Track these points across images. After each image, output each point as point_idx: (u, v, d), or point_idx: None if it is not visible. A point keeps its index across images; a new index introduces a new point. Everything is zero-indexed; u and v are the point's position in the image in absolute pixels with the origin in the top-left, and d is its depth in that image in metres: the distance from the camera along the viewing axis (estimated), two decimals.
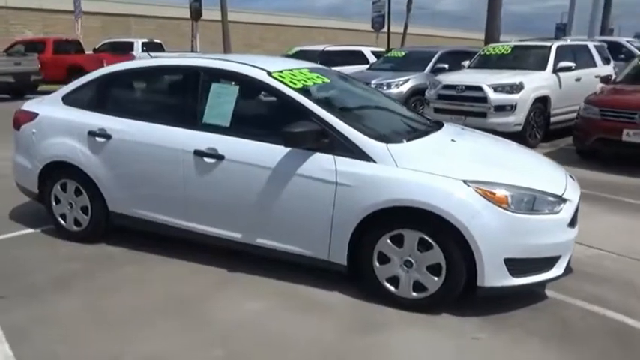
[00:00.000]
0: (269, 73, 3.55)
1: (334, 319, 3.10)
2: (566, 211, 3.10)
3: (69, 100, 4.20)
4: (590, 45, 10.01)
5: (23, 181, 4.46)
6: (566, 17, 39.41)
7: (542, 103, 8.44)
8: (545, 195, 3.06)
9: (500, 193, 2.95)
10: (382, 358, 2.74)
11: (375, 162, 3.12)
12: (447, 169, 3.06)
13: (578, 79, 9.12)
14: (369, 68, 11.43)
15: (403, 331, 2.98)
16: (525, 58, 9.14)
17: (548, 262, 3.10)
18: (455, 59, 10.76)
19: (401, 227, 3.07)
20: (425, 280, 3.08)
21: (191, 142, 3.55)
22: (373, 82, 9.65)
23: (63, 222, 4.27)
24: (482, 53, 9.81)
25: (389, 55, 11.80)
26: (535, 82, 8.28)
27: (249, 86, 3.59)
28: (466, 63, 9.95)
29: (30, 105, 4.47)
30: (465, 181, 2.97)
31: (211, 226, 3.64)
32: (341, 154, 3.19)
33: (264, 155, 3.36)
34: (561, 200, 3.10)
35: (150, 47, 18.36)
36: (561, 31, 38.07)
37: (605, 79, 8.16)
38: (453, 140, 3.57)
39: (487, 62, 9.54)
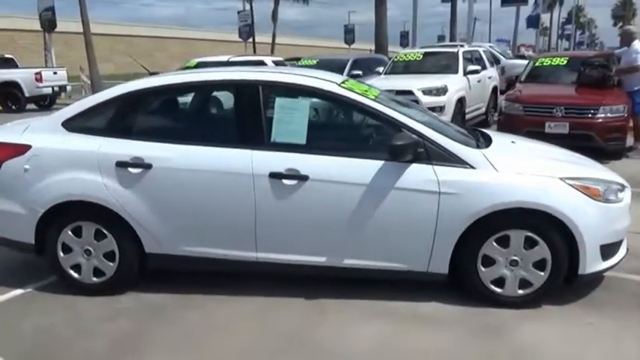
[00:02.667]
0: (339, 84, 3.36)
1: (451, 330, 3.06)
2: (627, 197, 3.47)
3: (74, 126, 3.47)
4: (481, 50, 11.23)
5: (7, 231, 3.57)
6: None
7: (460, 103, 9.24)
8: (614, 184, 3.39)
9: (591, 186, 3.20)
10: (527, 356, 2.79)
11: (474, 168, 3.16)
12: (540, 169, 3.23)
13: (479, 81, 10.17)
14: None
15: (524, 328, 3.06)
16: (436, 63, 9.91)
17: (619, 245, 3.44)
18: (364, 66, 11.23)
19: (507, 228, 3.15)
20: (531, 276, 3.20)
21: (263, 164, 3.20)
22: None
23: (75, 274, 3.52)
24: (395, 60, 10.39)
25: (301, 63, 11.84)
26: (455, 85, 9.02)
27: (320, 99, 3.36)
28: (380, 69, 10.45)
29: (7, 135, 3.59)
30: (561, 179, 3.16)
31: (289, 253, 3.32)
32: (438, 164, 3.16)
33: (355, 171, 3.18)
34: (623, 187, 3.47)
35: None
36: (405, 38, 42.09)
37: (509, 80, 9.22)
38: (512, 142, 3.76)
39: (402, 68, 10.13)
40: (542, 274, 3.18)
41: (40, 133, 3.51)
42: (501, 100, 8.38)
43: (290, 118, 3.27)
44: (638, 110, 7.75)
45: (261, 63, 12.91)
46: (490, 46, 15.74)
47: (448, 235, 3.16)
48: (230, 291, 3.52)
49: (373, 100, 3.32)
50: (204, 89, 3.60)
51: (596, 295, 3.45)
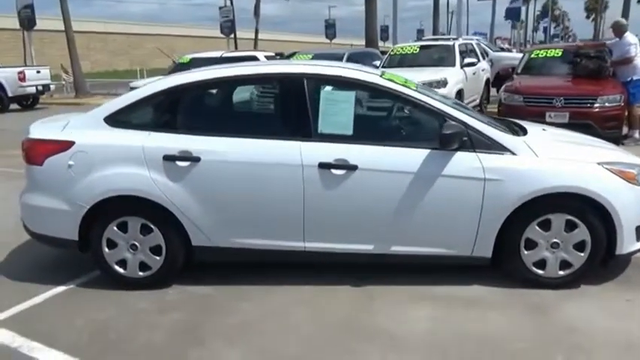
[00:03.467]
0: (380, 76, 3.44)
1: (500, 311, 3.17)
2: None
3: (116, 121, 3.47)
4: (474, 43, 11.42)
5: (49, 228, 3.55)
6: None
7: (459, 95, 9.41)
8: None
9: (626, 170, 3.35)
10: (580, 333, 2.92)
11: (515, 155, 3.27)
12: (577, 155, 3.37)
13: (474, 73, 10.36)
14: None
15: (569, 306, 3.19)
16: (433, 56, 10.07)
17: None
18: (359, 60, 11.30)
19: (549, 212, 3.27)
20: (571, 257, 3.33)
21: (312, 155, 3.26)
22: None
23: (121, 269, 3.53)
24: (392, 53, 10.50)
25: (296, 58, 11.83)
26: (454, 78, 9.19)
27: (364, 90, 3.42)
28: (376, 63, 10.55)
29: (48, 131, 3.56)
30: (599, 163, 3.30)
31: (337, 242, 3.39)
32: (482, 151, 3.26)
33: (402, 160, 3.27)
34: None
35: None
36: (385, 32, 42.35)
37: (506, 73, 9.42)
38: (543, 129, 3.89)
39: (399, 61, 10.25)
40: (582, 255, 3.32)
41: (83, 129, 3.50)
42: (501, 92, 8.55)
43: (336, 110, 3.33)
44: (632, 100, 8.02)
45: (254, 58, 12.89)
46: (477, 40, 15.98)
47: (493, 221, 3.27)
48: (275, 281, 3.58)
49: (415, 90, 3.41)
50: (249, 82, 3.62)
51: (628, 274, 3.61)
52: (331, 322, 3.08)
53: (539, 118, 7.78)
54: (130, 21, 43.92)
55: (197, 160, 3.30)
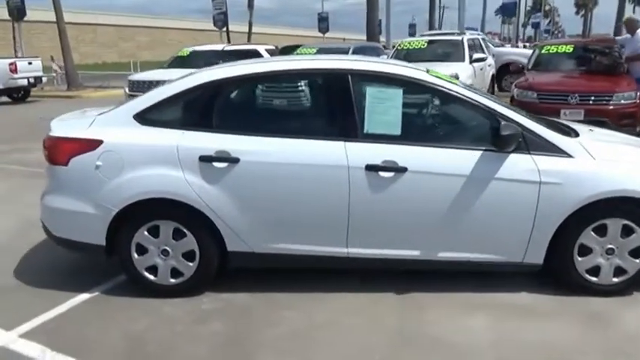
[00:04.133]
0: (427, 72, 3.26)
1: (558, 319, 3.03)
2: None
3: (148, 118, 3.25)
4: (480, 38, 11.30)
5: (73, 232, 3.33)
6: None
7: None
8: None
9: None
10: None
11: (572, 157, 3.13)
12: (633, 156, 3.23)
13: (481, 69, 10.24)
14: None
15: (628, 314, 3.06)
16: (441, 51, 9.92)
17: None
18: (364, 55, 11.13)
19: (605, 217, 3.13)
20: (626, 264, 3.20)
21: (359, 156, 3.08)
22: None
23: (151, 276, 3.32)
24: (399, 48, 10.33)
25: (299, 52, 11.62)
26: (464, 73, 9.04)
27: (411, 88, 3.25)
28: (383, 58, 10.35)
29: (73, 129, 3.33)
30: None
31: (382, 248, 3.22)
32: (536, 153, 3.11)
33: (454, 162, 3.10)
34: None
35: None
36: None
37: (516, 68, 9.30)
38: (591, 130, 3.75)
39: (405, 56, 10.05)
40: (637, 261, 3.19)
41: (111, 127, 3.27)
42: (513, 88, 8.43)
43: (383, 109, 3.15)
44: None
45: (256, 52, 12.68)
46: (482, 35, 15.89)
47: (547, 226, 3.12)
48: (314, 288, 3.40)
49: (464, 87, 3.25)
50: (290, 78, 3.41)
51: None
52: (386, 333, 2.92)
53: (553, 115, 7.70)
54: (120, 12, 43.08)
55: (236, 161, 3.10)
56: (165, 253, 3.27)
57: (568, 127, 3.65)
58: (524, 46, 22.51)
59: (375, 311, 3.15)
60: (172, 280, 3.33)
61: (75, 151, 3.22)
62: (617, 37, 9.21)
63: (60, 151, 3.26)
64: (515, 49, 15.03)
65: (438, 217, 3.14)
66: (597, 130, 3.92)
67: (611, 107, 7.40)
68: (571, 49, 8.92)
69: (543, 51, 9.23)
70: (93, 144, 3.20)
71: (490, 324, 3.00)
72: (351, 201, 3.11)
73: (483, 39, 11.64)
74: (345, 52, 10.91)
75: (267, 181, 3.12)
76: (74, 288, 3.48)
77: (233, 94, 3.41)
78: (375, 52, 11.99)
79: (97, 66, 33.76)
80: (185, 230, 3.23)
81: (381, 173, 3.07)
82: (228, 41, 23.92)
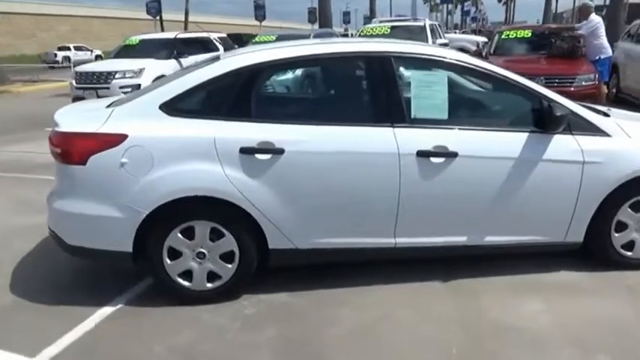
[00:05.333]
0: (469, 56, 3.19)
1: (607, 297, 3.08)
2: None
3: (177, 109, 2.93)
4: (436, 25, 11.50)
5: (93, 239, 2.97)
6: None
7: None
8: None
9: None
10: None
11: (610, 136, 3.18)
12: None
13: None
14: None
15: None
16: (405, 36, 9.94)
17: None
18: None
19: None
20: None
21: (409, 142, 2.96)
22: None
23: (185, 282, 3.04)
24: (361, 34, 10.28)
25: (257, 40, 11.25)
26: None
27: (456, 70, 3.15)
28: None
29: (89, 123, 2.94)
30: None
31: (430, 236, 3.14)
32: (578, 133, 3.13)
33: (502, 145, 3.06)
34: None
35: None
36: (313, 14, 42.02)
37: (478, 53, 9.53)
38: (609, 109, 3.84)
39: None
40: None
41: (135, 120, 2.93)
42: None
43: (429, 92, 3.04)
44: (600, 78, 8.42)
45: (207, 40, 12.21)
46: (434, 21, 16.20)
47: (589, 204, 3.17)
48: (352, 282, 3.25)
49: (506, 71, 3.21)
50: (334, 62, 3.20)
51: None
52: (449, 324, 2.84)
53: None
54: (39, 1, 39.85)
55: (280, 152, 2.88)
56: (200, 255, 3.00)
57: (596, 107, 3.73)
58: (464, 33, 23.29)
59: (427, 301, 3.07)
60: (209, 285, 3.06)
61: (95, 148, 2.85)
62: (576, 25, 9.64)
63: (76, 148, 2.87)
64: (464, 36, 15.48)
65: (486, 201, 3.09)
66: (614, 110, 4.04)
67: (573, 89, 7.73)
68: (529, 34, 9.27)
69: (503, 36, 9.52)
70: (116, 139, 2.85)
71: (545, 305, 3.00)
72: (402, 189, 2.99)
73: (439, 25, 11.86)
74: (306, 38, 10.70)
75: (314, 172, 2.93)
76: (90, 302, 3.12)
77: (273, 80, 3.16)
78: (331, 37, 11.87)
79: (14, 58, 31.09)
80: (223, 230, 2.97)
81: (433, 159, 2.97)
82: (162, 30, 22.89)
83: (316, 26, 38.18)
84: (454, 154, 2.98)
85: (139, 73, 9.89)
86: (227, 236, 2.98)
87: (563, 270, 3.38)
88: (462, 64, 3.15)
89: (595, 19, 8.60)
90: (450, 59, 3.14)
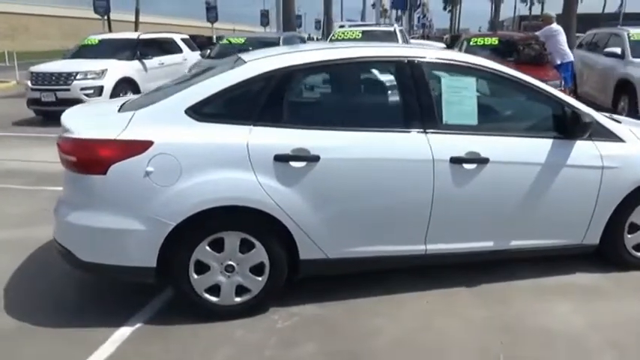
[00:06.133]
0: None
1: (631, 298, 3.18)
2: None
3: (205, 113, 2.76)
4: (403, 30, 11.67)
5: (113, 255, 2.74)
6: (267, 4, 43.35)
7: None
8: None
9: None
10: None
11: (624, 142, 3.29)
12: None
13: None
14: (208, 56, 10.38)
15: None
16: (376, 41, 10.04)
17: None
18: (292, 44, 10.88)
19: None
20: None
21: (443, 148, 2.93)
22: None
23: (213, 297, 2.86)
24: (332, 38, 10.26)
25: (225, 42, 10.95)
26: None
27: (484, 77, 3.16)
28: None
29: (107, 128, 2.71)
30: None
31: (459, 242, 3.13)
32: (597, 139, 3.22)
33: (529, 151, 3.10)
34: None
35: None
36: (265, 17, 41.70)
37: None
38: (611, 115, 3.98)
39: None
40: None
41: (159, 125, 2.73)
42: None
43: (459, 98, 3.03)
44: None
45: (172, 41, 11.84)
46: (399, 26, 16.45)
47: (606, 208, 3.27)
48: (380, 291, 3.19)
49: (531, 78, 3.25)
50: (365, 66, 3.12)
51: None
52: (489, 330, 2.83)
53: None
54: None
55: (315, 159, 2.77)
56: (229, 269, 2.84)
57: (609, 115, 3.86)
58: (412, 38, 23.87)
59: (460, 308, 3.05)
60: (237, 299, 2.90)
61: (117, 157, 2.64)
62: (537, 32, 9.99)
63: (94, 156, 2.65)
64: (425, 41, 15.82)
65: (513, 206, 3.12)
66: (621, 117, 4.19)
67: None
68: (497, 42, 9.57)
69: (471, 43, 9.78)
70: (141, 146, 2.65)
71: (572, 308, 3.06)
72: (435, 195, 2.96)
73: (402, 30, 12.06)
74: (275, 42, 10.56)
75: (350, 179, 2.85)
76: (104, 322, 2.88)
77: (305, 83, 3.05)
78: (299, 41, 11.79)
79: None
80: (254, 240, 2.83)
81: (465, 165, 2.96)
82: (110, 30, 21.98)
83: (269, 29, 38.03)
84: (486, 160, 2.98)
85: (102, 74, 9.39)
86: (257, 247, 2.84)
87: (579, 272, 3.47)
88: (490, 70, 3.17)
89: (554, 26, 9.03)
90: (479, 65, 3.15)
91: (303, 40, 11.95)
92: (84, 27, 31.65)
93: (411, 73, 2.99)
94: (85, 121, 2.88)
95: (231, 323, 2.89)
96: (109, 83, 9.45)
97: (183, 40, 12.08)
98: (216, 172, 2.70)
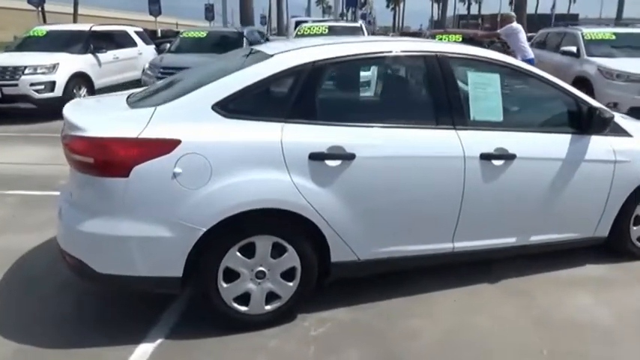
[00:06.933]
0: None
1: (636, 286, 3.29)
2: None
3: (233, 109, 2.56)
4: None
5: (134, 265, 2.49)
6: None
7: None
8: None
9: None
10: None
11: (631, 136, 3.39)
12: None
13: None
14: (169, 50, 9.91)
15: None
16: (339, 34, 9.99)
17: None
18: (253, 40, 10.63)
19: None
20: None
21: (473, 145, 2.89)
22: None
23: (241, 307, 2.68)
24: (299, 33, 10.11)
25: (187, 35, 10.48)
26: None
27: (507, 73, 3.14)
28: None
29: (127, 126, 2.45)
30: None
31: (484, 238, 3.11)
32: (609, 134, 3.29)
33: (552, 146, 3.13)
34: None
35: None
36: (210, 12, 40.69)
37: None
38: None
39: None
40: None
41: (185, 122, 2.50)
42: None
43: (485, 95, 3.01)
44: None
45: (125, 33, 11.26)
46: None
47: (616, 201, 3.36)
48: (406, 291, 3.12)
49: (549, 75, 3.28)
50: (396, 61, 3.00)
51: None
52: (523, 325, 2.84)
53: None
54: None
55: (351, 157, 2.65)
56: (260, 275, 2.67)
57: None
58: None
59: (491, 305, 3.04)
60: (267, 307, 2.74)
61: (140, 157, 2.39)
62: (498, 30, 10.25)
63: (116, 157, 2.39)
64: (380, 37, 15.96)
65: (537, 201, 3.14)
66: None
67: None
68: (460, 39, 9.77)
69: (437, 39, 9.93)
70: (168, 146, 2.41)
71: (593, 299, 3.12)
72: (465, 193, 2.92)
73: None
74: (239, 36, 10.26)
75: (384, 178, 2.74)
76: (121, 339, 2.63)
77: (336, 78, 2.90)
78: (260, 35, 11.55)
79: None
80: (286, 244, 2.67)
81: (494, 161, 2.94)
82: (44, 22, 20.70)
83: (214, 24, 37.02)
84: (513, 156, 2.98)
85: (53, 68, 8.72)
86: (290, 251, 2.68)
87: (588, 264, 3.56)
88: (512, 66, 3.17)
89: (514, 25, 9.34)
90: (502, 62, 3.14)
91: (262, 35, 11.72)
92: (15, 19, 29.47)
93: (440, 68, 2.93)
94: (98, 118, 2.60)
95: (261, 333, 2.72)
96: (61, 78, 8.80)
97: (137, 32, 11.50)
98: (249, 173, 2.51)
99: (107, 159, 2.40)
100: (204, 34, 10.20)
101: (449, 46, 3.14)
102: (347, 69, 3.03)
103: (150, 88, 3.18)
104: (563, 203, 3.21)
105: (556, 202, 3.19)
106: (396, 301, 3.04)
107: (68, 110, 2.75)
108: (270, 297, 2.74)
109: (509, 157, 2.97)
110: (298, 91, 2.67)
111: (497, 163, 2.95)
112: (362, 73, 3.15)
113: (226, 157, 2.50)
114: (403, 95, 3.17)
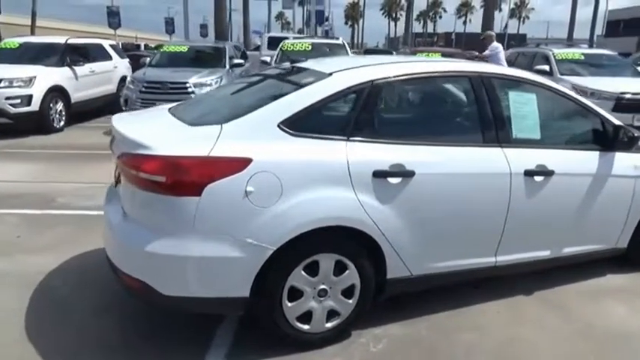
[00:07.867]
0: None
1: None
2: None
3: (300, 127, 2.56)
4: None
5: (201, 287, 2.44)
6: (172, 12, 41.75)
7: None
8: None
9: None
10: None
11: None
12: None
13: None
14: (150, 65, 9.70)
15: None
16: (326, 52, 10.10)
17: None
18: (234, 54, 10.59)
19: None
20: None
21: (517, 162, 3.01)
22: (196, 81, 8.50)
23: (303, 325, 2.65)
24: (283, 49, 10.14)
25: (167, 50, 10.29)
26: None
27: (539, 93, 3.28)
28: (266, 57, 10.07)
29: (197, 144, 2.40)
30: None
31: (523, 252, 3.22)
32: (632, 151, 3.50)
33: (583, 163, 3.29)
34: None
35: None
36: (170, 25, 40.09)
37: None
38: None
39: (290, 58, 9.94)
40: None
41: (255, 140, 2.48)
42: None
43: (524, 113, 3.14)
44: None
45: (100, 46, 11.01)
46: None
47: (636, 213, 3.56)
48: (452, 304, 3.20)
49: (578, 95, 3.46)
50: (445, 80, 3.07)
51: None
52: (569, 337, 2.94)
53: None
54: None
55: (411, 174, 2.70)
56: (322, 293, 2.66)
57: None
58: None
59: (529, 316, 3.14)
60: (328, 325, 2.73)
61: (212, 176, 2.35)
62: (485, 52, 10.43)
63: (190, 177, 2.34)
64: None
65: (571, 215, 3.29)
66: None
67: None
68: (439, 57, 10.08)
69: (417, 55, 10.21)
70: (239, 164, 2.39)
71: (627, 308, 3.27)
72: (510, 208, 3.02)
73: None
74: (222, 50, 10.18)
75: (441, 195, 2.81)
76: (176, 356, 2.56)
77: (393, 97, 2.94)
78: (239, 50, 11.51)
79: None
80: (348, 262, 2.68)
81: (536, 177, 3.07)
82: None
83: (175, 38, 36.43)
84: (552, 173, 3.11)
85: (30, 82, 8.38)
86: (351, 269, 2.69)
87: (609, 274, 3.74)
88: (548, 87, 3.31)
89: (495, 44, 9.76)
90: (538, 82, 3.29)
91: (238, 50, 11.69)
92: None
93: (485, 88, 3.04)
94: (163, 136, 2.54)
95: (322, 351, 2.71)
96: (38, 92, 8.48)
97: (111, 46, 11.23)
98: (316, 191, 2.52)
99: (180, 178, 2.35)
100: (185, 49, 10.08)
101: (488, 67, 3.27)
102: (402, 88, 3.10)
103: (192, 105, 3.13)
104: (591, 216, 3.37)
105: (586, 216, 3.35)
106: (443, 314, 3.10)
107: (122, 126, 2.67)
108: (330, 315, 2.73)
109: (548, 173, 3.10)
110: (359, 110, 2.70)
111: (538, 179, 3.08)
112: (416, 92, 3.23)
113: (296, 175, 2.49)
114: (455, 114, 3.27)
